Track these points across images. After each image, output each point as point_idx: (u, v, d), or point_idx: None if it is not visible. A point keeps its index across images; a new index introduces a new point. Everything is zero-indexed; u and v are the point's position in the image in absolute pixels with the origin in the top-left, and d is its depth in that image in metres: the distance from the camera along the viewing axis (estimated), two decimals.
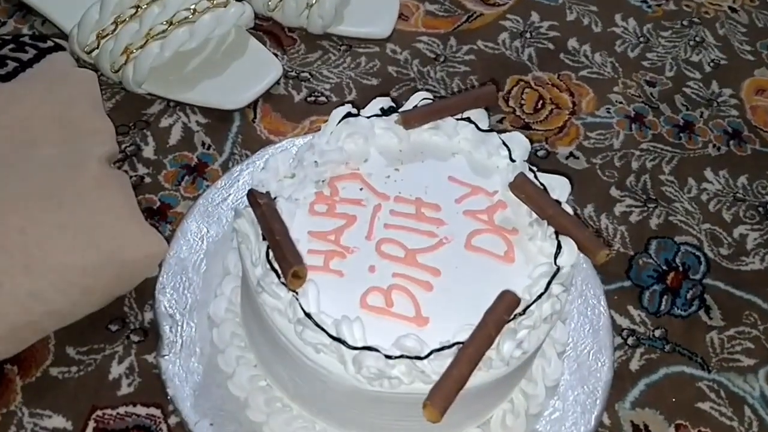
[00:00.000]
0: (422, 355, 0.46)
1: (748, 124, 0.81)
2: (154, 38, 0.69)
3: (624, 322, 0.64)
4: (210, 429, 0.52)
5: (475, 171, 0.56)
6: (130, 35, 0.69)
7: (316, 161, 0.54)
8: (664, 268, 0.68)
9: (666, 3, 0.91)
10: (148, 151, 0.68)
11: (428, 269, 0.51)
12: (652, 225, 0.71)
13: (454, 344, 0.47)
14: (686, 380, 0.62)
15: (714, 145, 0.78)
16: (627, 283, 0.67)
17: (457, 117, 0.57)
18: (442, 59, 0.80)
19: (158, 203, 0.65)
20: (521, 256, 0.52)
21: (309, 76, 0.76)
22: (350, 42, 0.80)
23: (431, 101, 0.58)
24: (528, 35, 0.84)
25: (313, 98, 0.75)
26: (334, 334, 0.46)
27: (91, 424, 0.54)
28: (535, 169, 0.56)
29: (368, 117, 0.56)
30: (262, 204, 0.50)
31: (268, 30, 0.79)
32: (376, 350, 0.46)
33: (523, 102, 0.78)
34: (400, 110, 0.57)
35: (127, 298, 0.60)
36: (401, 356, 0.46)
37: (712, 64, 0.86)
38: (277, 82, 0.74)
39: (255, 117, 0.72)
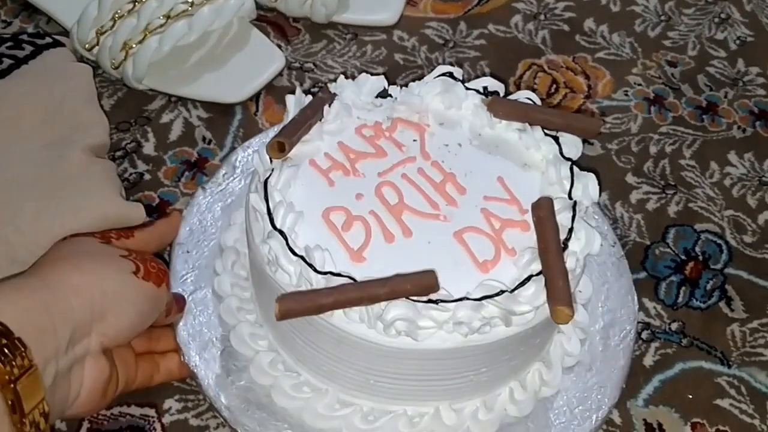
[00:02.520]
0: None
1: None
2: (153, 33, 0.68)
3: (639, 316, 0.61)
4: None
5: (527, 186, 0.53)
6: (128, 31, 0.68)
7: (396, 98, 0.56)
8: (683, 257, 0.65)
9: None
10: (149, 148, 0.68)
11: (403, 226, 0.50)
12: (671, 212, 0.67)
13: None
14: (704, 376, 0.59)
15: (739, 127, 0.74)
16: (642, 275, 0.64)
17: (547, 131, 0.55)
18: (451, 45, 0.78)
19: (157, 200, 0.65)
20: (498, 273, 0.49)
21: (313, 67, 0.75)
22: (356, 30, 0.78)
23: (531, 102, 0.56)
24: (542, 17, 0.81)
25: (316, 89, 0.73)
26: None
27: (85, 425, 0.53)
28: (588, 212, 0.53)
29: (467, 89, 0.57)
30: (319, 95, 0.54)
31: (272, 21, 0.78)
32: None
33: (535, 86, 0.75)
34: (495, 96, 0.56)
35: None
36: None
37: (738, 41, 0.81)
38: (280, 74, 0.73)
39: (257, 110, 0.71)
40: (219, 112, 0.70)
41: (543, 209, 0.50)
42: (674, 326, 0.61)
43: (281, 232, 0.47)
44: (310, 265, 0.46)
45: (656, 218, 0.67)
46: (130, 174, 0.66)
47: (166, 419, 0.54)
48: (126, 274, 0.48)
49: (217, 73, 0.71)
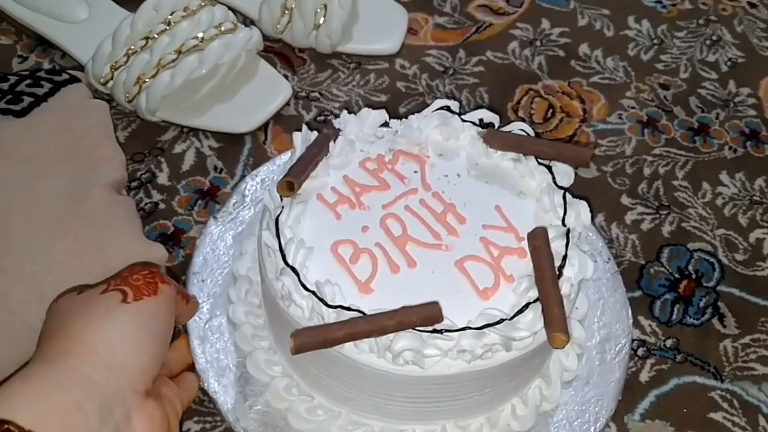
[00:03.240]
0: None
1: (766, 123, 0.79)
2: (165, 67, 0.71)
3: (634, 333, 0.64)
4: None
5: (523, 214, 0.56)
6: (141, 65, 0.71)
7: (397, 131, 0.59)
8: (677, 276, 0.68)
9: (681, 2, 0.90)
10: (163, 178, 0.70)
11: (408, 257, 0.53)
12: (665, 232, 0.70)
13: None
14: (698, 390, 0.61)
15: (730, 147, 0.77)
16: (637, 293, 0.66)
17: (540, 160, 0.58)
18: (450, 72, 0.81)
19: (172, 228, 0.67)
20: (498, 300, 0.52)
21: (319, 96, 0.78)
22: (360, 59, 0.81)
23: (524, 133, 0.59)
24: (538, 43, 0.84)
25: (322, 117, 0.76)
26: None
27: None
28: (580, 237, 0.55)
29: (464, 121, 0.60)
30: (324, 132, 0.57)
31: (278, 51, 0.81)
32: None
33: (532, 111, 0.78)
34: (490, 128, 0.59)
35: None
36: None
37: (729, 63, 0.84)
38: (287, 104, 0.75)
39: (266, 139, 0.74)
40: (229, 142, 0.73)
41: (538, 239, 0.53)
42: (669, 343, 0.64)
43: (293, 269, 0.50)
44: (322, 300, 0.49)
45: (650, 238, 0.70)
46: (146, 203, 0.69)
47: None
48: (117, 309, 0.46)
49: (227, 104, 0.74)
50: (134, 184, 0.70)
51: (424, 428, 0.55)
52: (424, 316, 0.49)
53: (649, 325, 0.65)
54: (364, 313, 0.49)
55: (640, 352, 0.63)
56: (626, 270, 0.67)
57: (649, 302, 0.66)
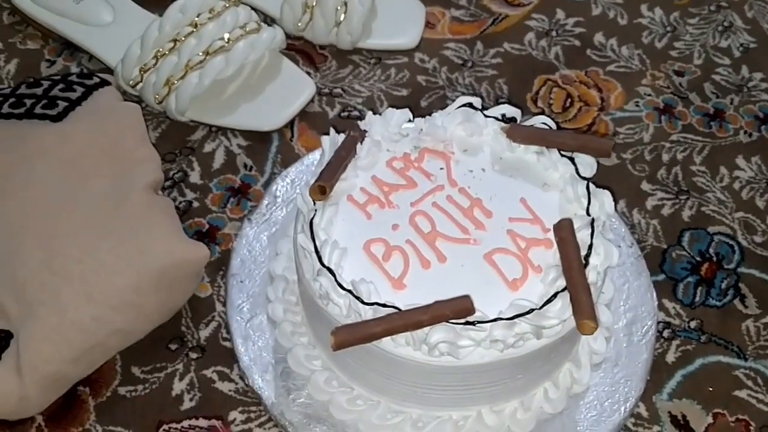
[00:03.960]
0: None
1: None
2: (193, 69, 0.72)
3: (659, 316, 0.66)
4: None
5: (548, 206, 0.58)
6: (170, 68, 0.72)
7: (422, 129, 0.60)
8: (698, 259, 0.69)
9: None
10: (195, 177, 0.72)
11: (438, 252, 0.55)
12: (685, 217, 0.72)
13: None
14: (723, 369, 0.63)
15: (745, 132, 0.79)
16: (661, 277, 0.68)
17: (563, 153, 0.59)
18: (469, 65, 0.82)
19: (207, 226, 0.69)
20: (525, 291, 0.54)
21: (341, 92, 0.79)
22: (380, 54, 0.82)
23: (546, 126, 0.60)
24: (554, 33, 0.86)
25: (346, 113, 0.78)
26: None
27: None
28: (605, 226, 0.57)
29: (486, 116, 0.61)
30: (351, 134, 0.58)
31: (300, 49, 0.83)
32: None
33: (551, 101, 0.80)
34: (512, 123, 0.60)
35: (184, 317, 0.64)
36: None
37: (741, 48, 0.86)
38: (312, 100, 0.77)
39: (292, 136, 0.76)
40: (257, 140, 0.75)
41: (564, 230, 0.55)
42: (693, 324, 0.66)
43: (329, 270, 0.52)
44: (358, 298, 0.51)
45: (671, 223, 0.71)
46: (180, 202, 0.70)
47: (233, 430, 0.59)
48: None
49: (253, 103, 0.76)
50: (168, 183, 0.71)
51: (461, 414, 0.57)
52: (457, 309, 0.51)
53: (674, 308, 0.67)
54: (399, 309, 0.51)
55: (665, 333, 0.65)
56: (649, 254, 0.69)
57: (672, 285, 0.68)
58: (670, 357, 0.64)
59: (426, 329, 0.51)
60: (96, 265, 0.58)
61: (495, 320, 0.51)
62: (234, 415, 0.59)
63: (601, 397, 0.60)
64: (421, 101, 0.79)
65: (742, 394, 0.62)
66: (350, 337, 0.50)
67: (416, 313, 0.51)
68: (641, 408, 0.61)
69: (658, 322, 0.65)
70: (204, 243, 0.67)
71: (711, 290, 0.68)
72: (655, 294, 0.64)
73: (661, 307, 0.66)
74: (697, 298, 0.67)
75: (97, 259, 0.58)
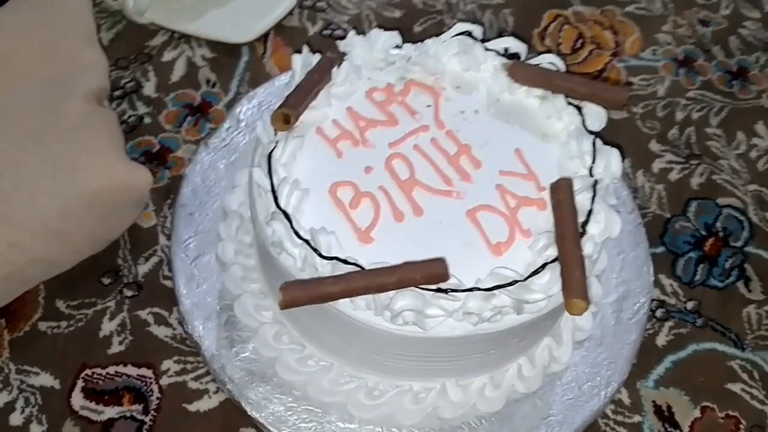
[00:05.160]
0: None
1: None
2: None
3: (653, 292, 0.59)
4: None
5: (546, 160, 0.50)
6: None
7: (410, 57, 0.53)
8: (703, 233, 0.63)
9: None
10: (149, 88, 0.64)
11: (414, 204, 0.48)
12: (693, 184, 0.65)
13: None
14: (717, 358, 0.58)
15: None
16: (660, 249, 0.62)
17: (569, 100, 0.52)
18: None
19: (158, 146, 0.61)
20: (509, 257, 0.47)
21: (326, 6, 0.71)
22: None
23: (554, 67, 0.53)
24: None
25: (329, 31, 0.69)
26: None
27: (80, 384, 0.52)
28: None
29: (487, 50, 0.53)
30: (328, 55, 0.51)
31: None
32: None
33: (560, 41, 0.71)
34: (516, 60, 0.53)
35: (121, 248, 0.57)
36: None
37: None
38: (291, 13, 0.69)
39: (265, 52, 0.67)
40: (224, 53, 0.67)
41: (562, 191, 0.48)
42: (690, 305, 0.59)
43: (285, 214, 0.45)
44: (316, 250, 0.44)
45: (678, 190, 0.64)
46: (129, 116, 0.62)
47: (164, 381, 0.53)
48: None
49: (224, 10, 0.68)
50: (117, 93, 0.63)
51: (422, 385, 0.51)
52: (428, 274, 0.44)
53: (671, 285, 0.60)
54: (362, 267, 0.44)
55: (658, 313, 0.59)
56: (650, 223, 0.62)
57: (671, 260, 0.61)
58: (661, 340, 0.58)
59: (391, 293, 0.44)
60: (17, 182, 0.50)
61: (471, 290, 0.44)
62: (168, 364, 0.53)
63: (580, 379, 0.54)
64: (415, 26, 0.70)
65: (735, 387, 0.56)
66: (302, 295, 0.43)
67: (381, 274, 0.44)
68: (623, 394, 0.55)
69: (652, 300, 0.58)
70: (152, 166, 0.60)
71: (713, 269, 0.61)
72: (652, 268, 0.57)
73: (657, 283, 0.60)
74: (698, 277, 0.61)
75: (19, 174, 0.50)
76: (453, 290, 0.44)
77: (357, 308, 0.45)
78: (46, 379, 0.52)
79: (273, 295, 0.51)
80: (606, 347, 0.55)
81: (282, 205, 0.45)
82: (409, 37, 0.54)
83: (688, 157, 0.66)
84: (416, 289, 0.44)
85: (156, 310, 0.55)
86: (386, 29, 0.54)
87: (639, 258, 0.58)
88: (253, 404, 0.49)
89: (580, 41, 0.71)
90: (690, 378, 0.56)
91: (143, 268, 0.56)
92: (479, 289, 0.44)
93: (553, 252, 0.46)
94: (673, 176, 0.65)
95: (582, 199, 0.48)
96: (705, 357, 0.58)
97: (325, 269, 0.44)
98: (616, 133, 0.65)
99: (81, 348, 0.53)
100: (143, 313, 0.55)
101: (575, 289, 0.44)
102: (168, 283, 0.56)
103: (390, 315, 0.44)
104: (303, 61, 0.51)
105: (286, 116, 0.47)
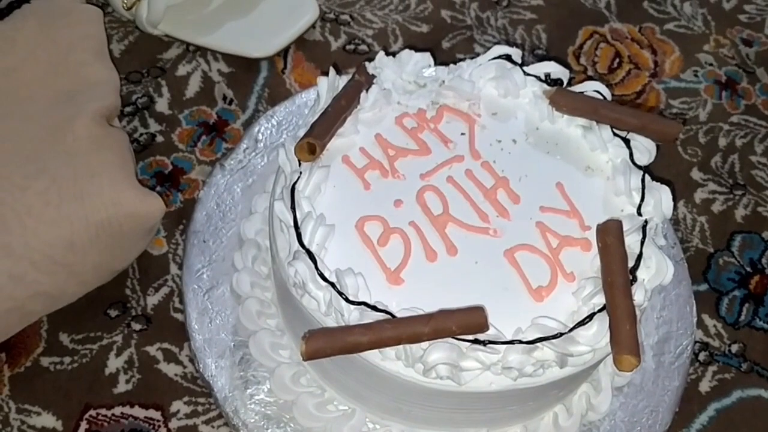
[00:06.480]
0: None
1: None
2: None
3: (696, 334, 0.55)
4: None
5: (589, 195, 0.47)
6: None
7: (443, 80, 0.49)
8: (748, 269, 0.59)
9: None
10: (162, 104, 0.60)
11: (447, 242, 0.44)
12: (738, 217, 0.61)
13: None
14: (763, 407, 0.54)
15: None
16: (703, 287, 0.58)
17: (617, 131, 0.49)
18: (504, 3, 0.70)
19: (170, 167, 0.58)
20: (551, 304, 0.43)
21: (349, 19, 0.67)
22: None
23: (600, 96, 0.49)
24: None
25: (352, 46, 0.65)
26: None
27: (83, 426, 0.48)
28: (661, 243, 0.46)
29: (526, 74, 0.50)
30: (356, 78, 0.47)
31: None
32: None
33: (596, 59, 0.67)
34: (559, 87, 0.49)
35: (130, 278, 0.53)
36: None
37: None
38: (312, 26, 0.65)
39: (285, 67, 0.63)
40: (242, 67, 0.63)
41: (611, 234, 0.44)
42: (734, 348, 0.56)
43: (309, 254, 0.41)
44: (342, 294, 0.41)
45: (722, 222, 0.61)
46: (140, 134, 0.59)
47: (173, 424, 0.49)
48: None
49: (242, 22, 0.64)
50: (128, 109, 0.60)
51: None
52: (466, 324, 0.40)
53: (714, 326, 0.56)
54: (392, 315, 0.40)
55: (701, 357, 0.55)
56: (692, 258, 0.58)
57: (715, 298, 0.57)
58: (704, 386, 0.54)
59: (424, 344, 0.40)
60: (20, 210, 0.47)
61: (512, 342, 0.40)
62: (177, 405, 0.49)
63: (618, 429, 0.51)
64: (443, 41, 0.66)
65: None
66: (327, 346, 0.40)
67: (414, 323, 0.40)
68: None
69: (695, 342, 0.55)
70: (164, 188, 0.56)
71: (759, 309, 0.57)
72: (695, 308, 0.54)
73: (700, 324, 0.56)
74: (743, 317, 0.57)
75: (22, 202, 0.47)
76: (492, 342, 0.40)
77: (386, 358, 0.41)
78: (47, 420, 0.48)
79: (291, 332, 0.48)
80: (646, 394, 0.51)
81: (306, 242, 0.42)
82: (438, 54, 0.51)
83: (732, 186, 0.62)
84: (452, 339, 0.40)
85: (165, 345, 0.51)
86: (414, 46, 0.50)
87: (681, 297, 0.55)
88: None
89: (617, 60, 0.67)
90: (735, 427, 0.53)
91: (152, 300, 0.53)
92: (521, 342, 0.41)
93: (600, 300, 0.43)
94: (717, 207, 0.61)
95: (631, 242, 0.44)
96: (750, 404, 0.54)
97: (352, 315, 0.41)
98: (655, 159, 0.61)
99: (85, 386, 0.49)
100: (152, 349, 0.51)
101: (626, 344, 0.41)
102: (179, 316, 0.52)
103: (423, 368, 0.41)
104: (329, 84, 0.47)
105: (311, 146, 0.43)
